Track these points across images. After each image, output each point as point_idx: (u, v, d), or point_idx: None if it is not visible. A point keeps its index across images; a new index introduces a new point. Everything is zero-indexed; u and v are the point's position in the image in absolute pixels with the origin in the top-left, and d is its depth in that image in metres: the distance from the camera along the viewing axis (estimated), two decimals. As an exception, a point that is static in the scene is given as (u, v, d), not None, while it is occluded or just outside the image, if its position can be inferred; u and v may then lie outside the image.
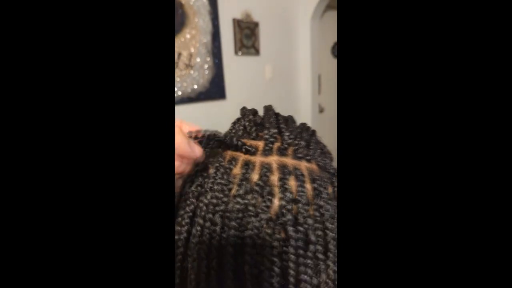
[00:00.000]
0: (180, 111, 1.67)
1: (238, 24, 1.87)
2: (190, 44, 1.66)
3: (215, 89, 1.81)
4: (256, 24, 1.97)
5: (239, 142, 0.28)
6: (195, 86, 1.71)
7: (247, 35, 1.94)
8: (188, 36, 1.64)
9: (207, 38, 1.71)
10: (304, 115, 2.43)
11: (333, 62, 2.61)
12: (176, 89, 1.64)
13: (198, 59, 1.70)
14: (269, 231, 0.24)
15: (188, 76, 1.67)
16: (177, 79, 1.63)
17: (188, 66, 1.66)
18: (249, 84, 2.02)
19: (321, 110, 2.53)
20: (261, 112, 0.32)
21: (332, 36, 2.54)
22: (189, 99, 1.70)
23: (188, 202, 0.27)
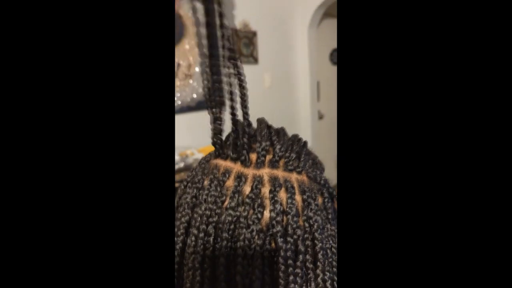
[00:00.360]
0: (180, 120, 1.69)
1: (236, 34, 1.90)
2: (189, 54, 1.68)
3: (214, 98, 1.82)
4: (254, 33, 1.99)
5: (245, 152, 0.28)
6: (195, 96, 1.73)
7: (246, 44, 1.96)
8: (187, 46, 1.66)
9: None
10: (303, 122, 2.44)
11: (332, 69, 2.63)
12: (176, 98, 1.65)
13: (197, 69, 1.72)
14: (260, 242, 0.25)
15: (187, 86, 1.69)
16: (176, 88, 1.65)
17: (188, 76, 1.68)
18: (248, 92, 2.03)
19: (320, 117, 2.55)
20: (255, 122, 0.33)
21: (330, 43, 2.56)
22: (188, 108, 1.71)
23: (183, 213, 0.28)
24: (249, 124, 0.32)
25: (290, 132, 0.34)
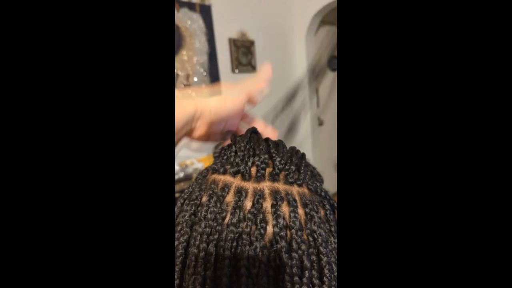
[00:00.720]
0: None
1: (234, 43, 1.91)
2: (187, 65, 1.69)
3: (213, 107, 1.83)
4: (251, 42, 2.01)
5: (246, 168, 0.28)
6: (194, 105, 1.73)
7: (244, 53, 1.97)
8: (185, 57, 1.67)
9: (204, 59, 1.75)
10: (303, 128, 2.44)
11: (330, 75, 2.64)
12: (175, 109, 1.66)
13: (195, 79, 1.72)
14: (264, 259, 0.24)
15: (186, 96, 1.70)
16: (175, 99, 1.65)
17: (186, 86, 1.69)
18: (248, 100, 2.04)
19: (320, 123, 2.55)
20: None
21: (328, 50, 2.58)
22: (188, 118, 1.71)
23: (182, 232, 0.26)
24: (246, 138, 0.32)
25: (290, 140, 0.34)
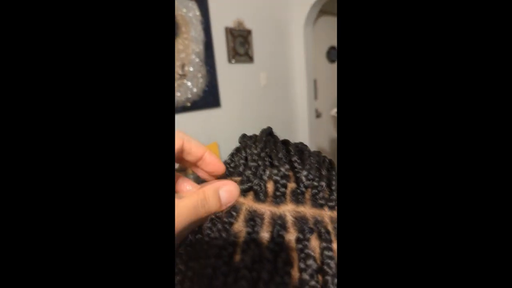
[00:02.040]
0: (176, 120, 1.66)
1: (231, 33, 1.87)
2: (183, 54, 1.65)
3: (209, 98, 1.80)
4: (249, 32, 1.97)
5: (260, 184, 0.21)
6: (189, 95, 1.70)
7: (241, 43, 1.93)
8: (180, 46, 1.63)
9: (199, 48, 1.71)
10: (301, 120, 2.42)
11: (329, 67, 2.61)
12: (170, 99, 1.62)
13: (191, 69, 1.69)
14: None
15: (182, 86, 1.66)
16: (170, 89, 1.62)
17: (182, 76, 1.65)
18: (244, 91, 2.01)
19: (318, 115, 2.53)
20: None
21: (326, 41, 2.54)
22: (183, 108, 1.68)
23: (175, 270, 0.20)
24: (258, 142, 0.25)
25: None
